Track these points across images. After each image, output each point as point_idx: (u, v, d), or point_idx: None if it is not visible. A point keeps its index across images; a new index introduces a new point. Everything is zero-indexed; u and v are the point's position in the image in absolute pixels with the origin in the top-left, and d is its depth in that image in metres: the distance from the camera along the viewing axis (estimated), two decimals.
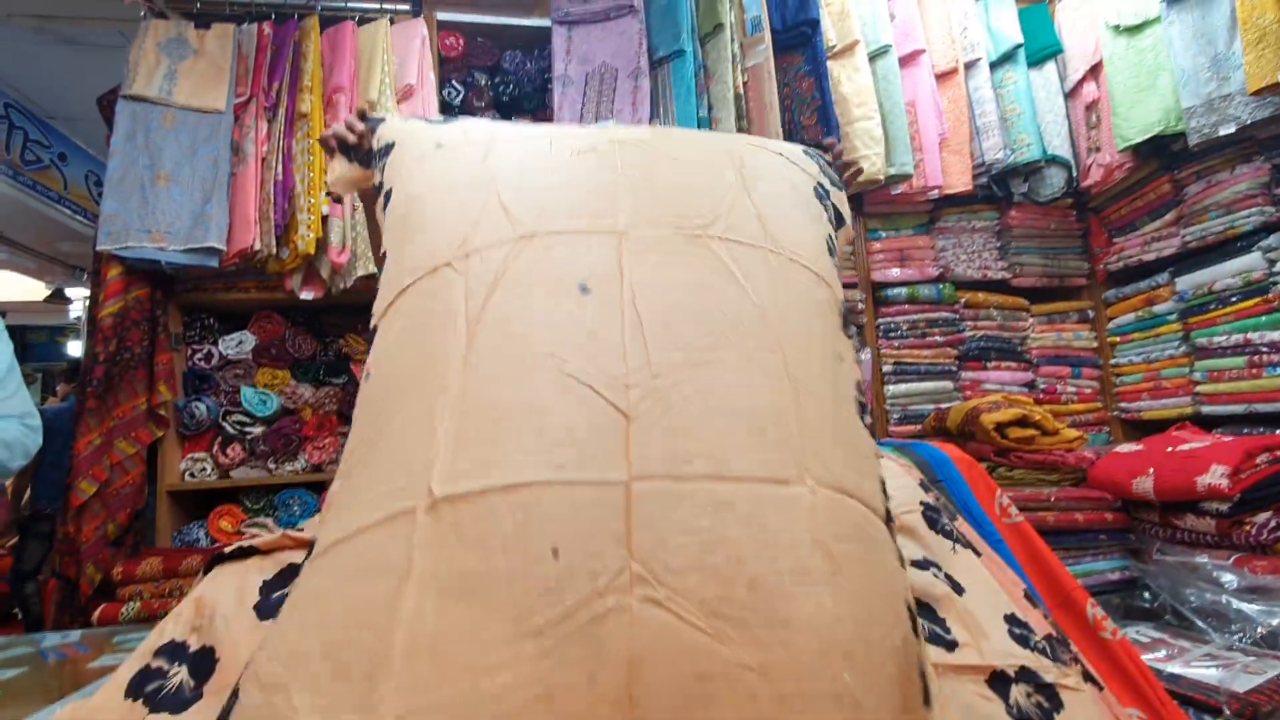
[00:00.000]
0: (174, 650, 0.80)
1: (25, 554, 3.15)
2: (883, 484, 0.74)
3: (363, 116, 1.07)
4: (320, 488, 2.12)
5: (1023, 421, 1.40)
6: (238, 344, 2.14)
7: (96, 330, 1.93)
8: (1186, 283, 2.08)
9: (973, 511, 1.13)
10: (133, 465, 1.94)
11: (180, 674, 0.78)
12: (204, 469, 2.09)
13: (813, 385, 0.68)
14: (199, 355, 2.15)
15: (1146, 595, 1.28)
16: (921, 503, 1.07)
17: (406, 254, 0.82)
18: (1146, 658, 1.02)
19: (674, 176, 0.85)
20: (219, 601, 0.84)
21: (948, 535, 1.03)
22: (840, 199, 1.03)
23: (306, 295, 1.99)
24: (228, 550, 0.91)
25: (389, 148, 0.97)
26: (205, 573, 0.91)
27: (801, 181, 0.97)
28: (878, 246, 2.38)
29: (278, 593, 0.79)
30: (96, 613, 1.73)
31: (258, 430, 2.12)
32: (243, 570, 0.90)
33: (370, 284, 1.58)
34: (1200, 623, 1.15)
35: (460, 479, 0.57)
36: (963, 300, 2.36)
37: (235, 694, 0.63)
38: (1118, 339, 2.39)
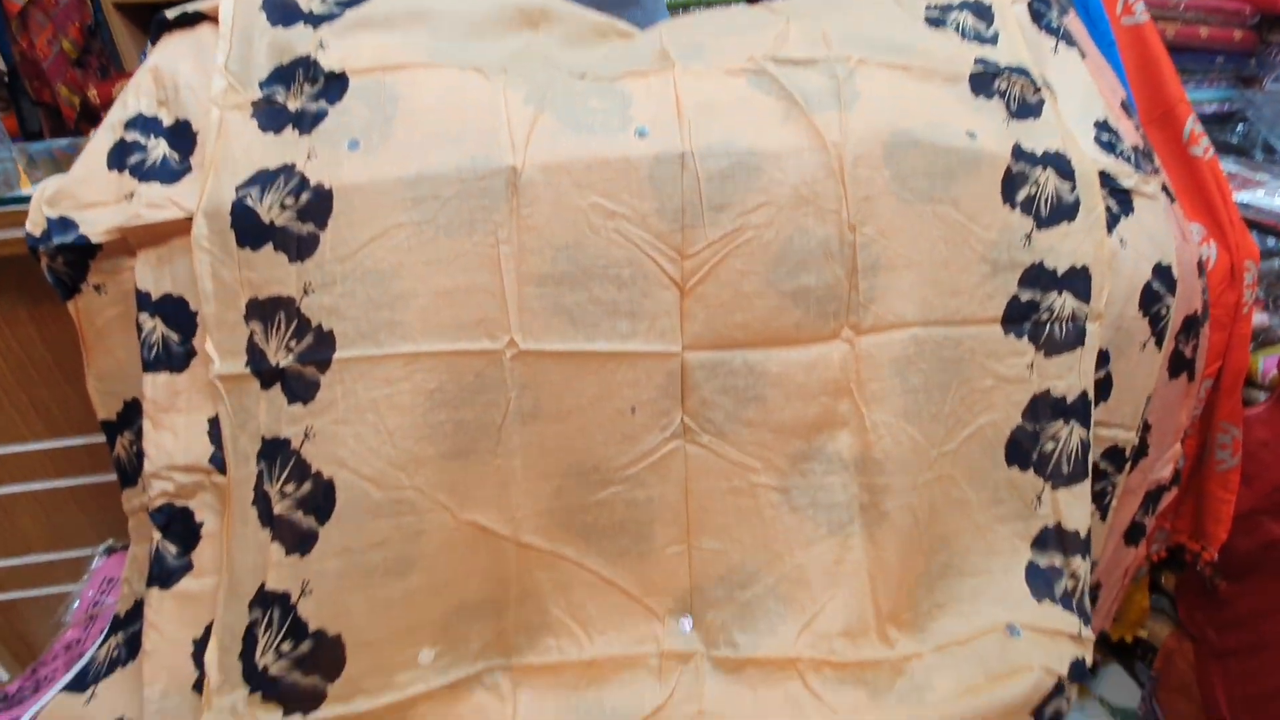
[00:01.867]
0: (146, 123, 0.70)
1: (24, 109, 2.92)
2: None
3: None
4: None
5: None
6: None
7: None
8: None
9: (1089, 6, 0.91)
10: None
11: (161, 146, 0.69)
12: None
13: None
14: None
15: (1240, 129, 1.13)
16: None
17: None
18: None
19: None
20: (178, 73, 0.71)
21: (1052, 32, 0.84)
22: None
23: None
24: (171, 16, 0.75)
25: None
26: (153, 42, 0.76)
27: None
28: None
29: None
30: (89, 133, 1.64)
31: None
32: (195, 39, 0.75)
33: None
34: None
35: (542, 339, 0.64)
36: None
37: None
38: None
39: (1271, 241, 0.88)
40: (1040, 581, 0.68)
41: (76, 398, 0.89)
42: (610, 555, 0.67)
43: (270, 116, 0.66)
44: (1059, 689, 0.63)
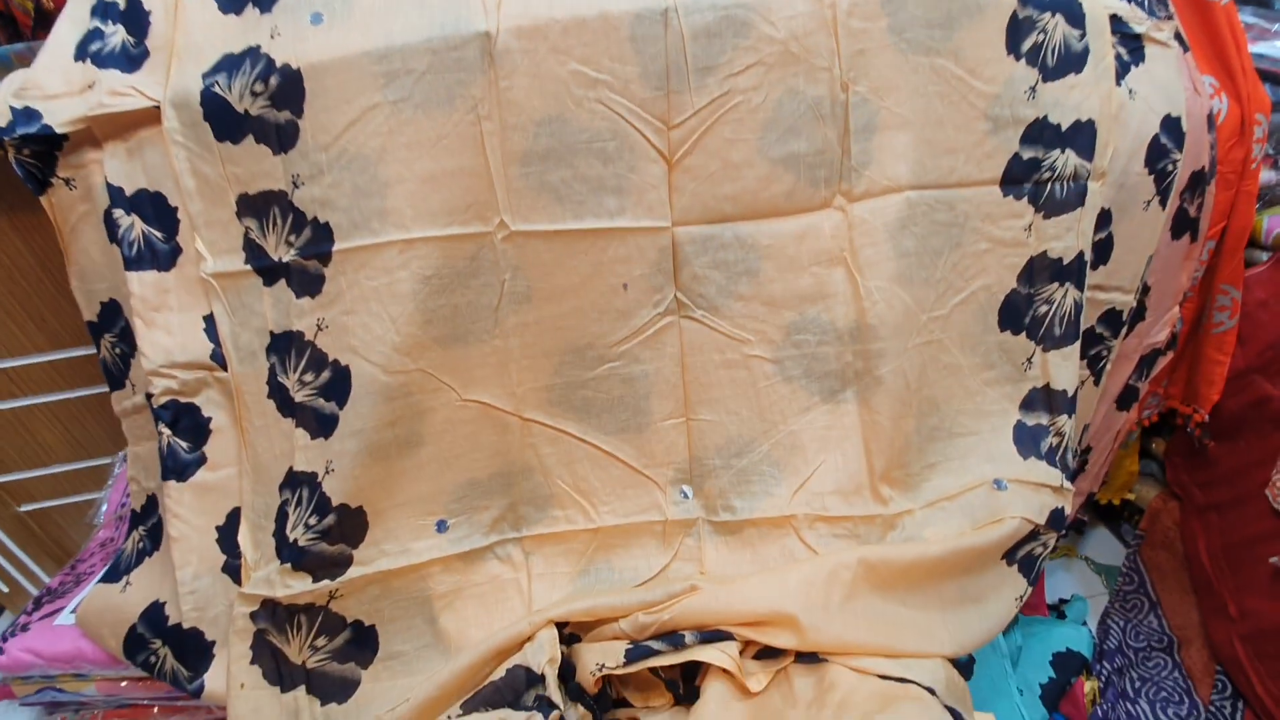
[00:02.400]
0: (106, 8, 0.67)
1: None
2: None
3: None
4: None
5: None
6: None
7: None
8: None
9: None
10: None
11: (119, 33, 0.66)
12: None
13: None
14: None
15: None
16: None
17: None
18: None
19: None
20: None
21: None
22: None
23: None
24: None
25: None
26: None
27: None
28: None
29: None
30: None
31: None
32: None
33: None
34: None
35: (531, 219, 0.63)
36: None
37: None
38: None
39: None
40: (1027, 439, 0.69)
41: (70, 308, 0.89)
42: (610, 430, 0.69)
43: None
44: (1033, 534, 0.65)
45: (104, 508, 0.93)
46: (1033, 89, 0.65)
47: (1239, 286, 0.85)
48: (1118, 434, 0.89)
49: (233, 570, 0.66)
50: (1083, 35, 0.66)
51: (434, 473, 0.67)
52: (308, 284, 0.62)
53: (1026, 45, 0.65)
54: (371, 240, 0.61)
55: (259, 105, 0.60)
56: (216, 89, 0.61)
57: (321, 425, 0.64)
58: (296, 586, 0.64)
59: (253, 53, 0.61)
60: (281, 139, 0.61)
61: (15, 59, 1.09)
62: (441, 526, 0.68)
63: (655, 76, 0.60)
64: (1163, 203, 0.73)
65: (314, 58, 0.60)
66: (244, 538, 0.65)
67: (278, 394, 0.64)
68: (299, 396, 0.64)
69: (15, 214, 0.83)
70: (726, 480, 0.69)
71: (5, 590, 1.07)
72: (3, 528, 1.03)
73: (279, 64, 0.60)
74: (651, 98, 0.61)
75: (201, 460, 0.68)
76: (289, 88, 0.60)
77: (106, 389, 0.97)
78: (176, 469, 0.67)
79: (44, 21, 1.65)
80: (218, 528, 0.68)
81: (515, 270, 0.64)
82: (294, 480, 0.64)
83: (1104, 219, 0.71)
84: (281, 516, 0.65)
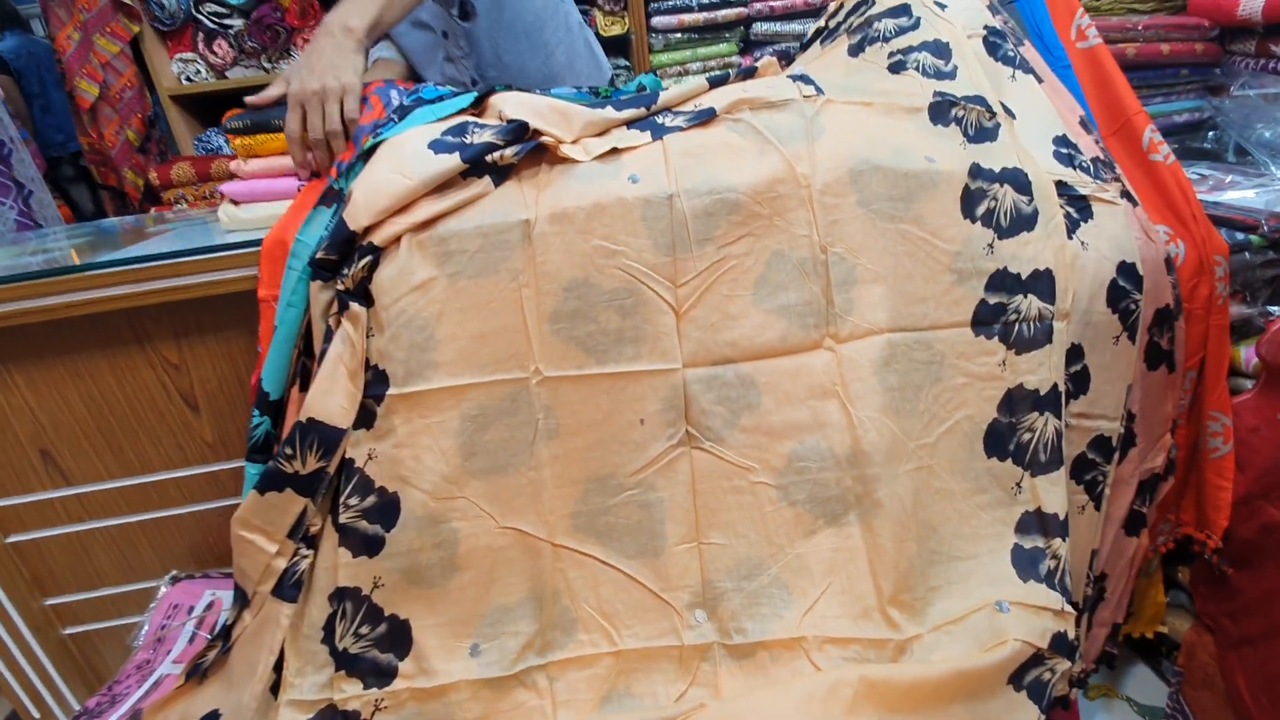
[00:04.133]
0: None
1: (74, 197, 3.18)
2: None
3: None
4: None
5: None
6: None
7: None
8: None
9: (1044, 35, 0.99)
10: (123, 65, 1.83)
11: None
12: (198, 71, 1.95)
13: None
14: None
15: (1210, 135, 1.19)
16: (985, 27, 0.94)
17: None
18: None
19: None
20: None
21: (1008, 62, 0.92)
22: None
23: None
24: None
25: None
26: None
27: None
28: None
29: None
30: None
31: (238, 23, 1.91)
32: None
33: None
34: (1262, 156, 1.08)
35: (561, 366, 0.73)
36: None
37: None
38: None
39: (1242, 236, 0.93)
40: (1025, 562, 0.72)
41: (147, 439, 1.00)
42: (631, 553, 0.74)
43: None
44: (1038, 659, 0.67)
45: (145, 630, 0.98)
46: (990, 246, 0.75)
47: (1228, 413, 0.89)
48: (1133, 561, 0.90)
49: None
50: (1030, 200, 0.77)
51: (472, 596, 0.72)
52: (363, 419, 0.72)
53: (980, 210, 0.76)
54: (425, 387, 0.71)
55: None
56: None
57: (365, 545, 0.71)
58: (349, 691, 0.69)
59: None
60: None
61: (125, 229, 1.29)
62: (475, 650, 0.72)
63: (663, 246, 0.72)
64: (1131, 338, 0.80)
65: (386, 232, 0.73)
66: (288, 646, 0.71)
67: (332, 512, 0.72)
68: (344, 518, 0.72)
69: (113, 358, 0.96)
70: (738, 602, 0.72)
71: (37, 716, 1.10)
72: (47, 651, 1.08)
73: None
74: (661, 262, 0.73)
75: None
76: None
77: (165, 513, 1.05)
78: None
79: (151, 195, 1.94)
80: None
81: (547, 409, 0.73)
82: (341, 594, 0.71)
83: (1076, 353, 0.78)
84: (330, 628, 0.70)
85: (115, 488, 1.02)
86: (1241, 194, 1.00)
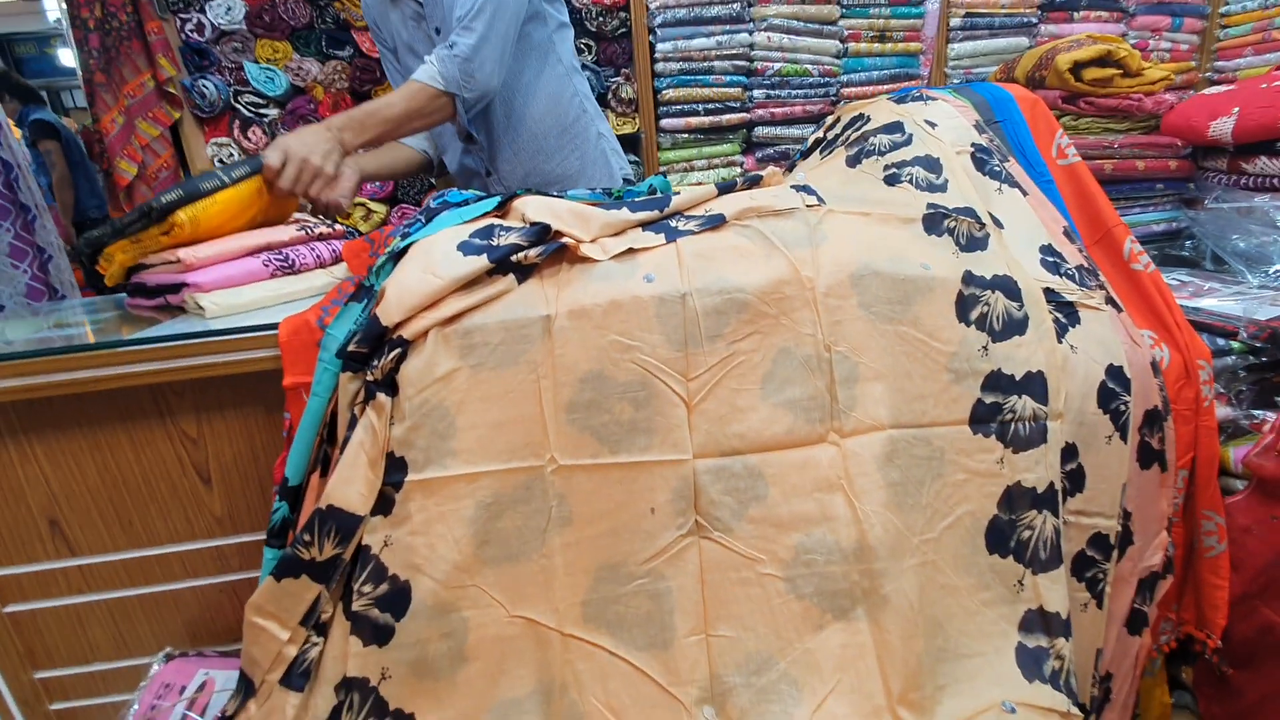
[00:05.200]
0: None
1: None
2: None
3: None
4: None
5: (1104, 60, 1.24)
6: (227, 10, 1.94)
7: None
8: None
9: (1027, 153, 1.07)
10: (161, 148, 1.93)
11: None
12: (231, 154, 2.07)
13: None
14: (190, 26, 1.97)
15: (1189, 244, 1.26)
16: (973, 144, 1.02)
17: None
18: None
19: None
20: None
21: (995, 176, 0.99)
22: None
23: None
24: None
25: None
26: None
27: None
28: None
29: None
30: None
31: (273, 112, 2.04)
32: None
33: None
34: (1238, 265, 1.15)
35: (576, 455, 0.76)
36: None
37: None
38: None
39: (1223, 341, 0.98)
40: (1030, 661, 0.73)
41: (157, 512, 1.01)
42: (640, 645, 0.74)
43: None
44: None
45: (135, 708, 0.96)
46: (984, 348, 0.80)
47: (1220, 512, 0.92)
48: (1136, 660, 0.90)
49: None
50: (1021, 306, 0.82)
51: (479, 689, 0.72)
52: (381, 505, 0.74)
53: (974, 315, 0.81)
54: (443, 473, 0.73)
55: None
56: None
57: (375, 634, 0.71)
58: None
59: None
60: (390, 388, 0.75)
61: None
62: None
63: (676, 342, 0.76)
64: (1123, 437, 0.83)
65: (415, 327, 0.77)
66: None
67: (345, 598, 0.73)
68: (357, 605, 0.72)
69: (133, 431, 0.98)
70: (747, 699, 0.72)
71: None
72: None
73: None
74: (674, 357, 0.76)
75: None
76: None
77: (164, 588, 1.04)
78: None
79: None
80: None
81: (561, 497, 0.75)
82: (348, 685, 0.70)
83: (1071, 452, 0.81)
84: (334, 718, 0.69)
85: (119, 559, 1.02)
86: (1221, 301, 1.06)
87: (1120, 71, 1.25)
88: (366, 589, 0.72)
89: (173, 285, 1.05)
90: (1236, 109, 1.16)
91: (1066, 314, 0.85)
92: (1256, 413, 0.96)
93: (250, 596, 0.74)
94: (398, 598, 0.72)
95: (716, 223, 0.85)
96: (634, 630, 0.75)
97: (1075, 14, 2.07)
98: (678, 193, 0.94)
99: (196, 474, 1.00)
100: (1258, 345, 0.96)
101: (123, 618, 1.05)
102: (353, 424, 0.74)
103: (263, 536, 0.82)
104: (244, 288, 1.04)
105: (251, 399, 0.97)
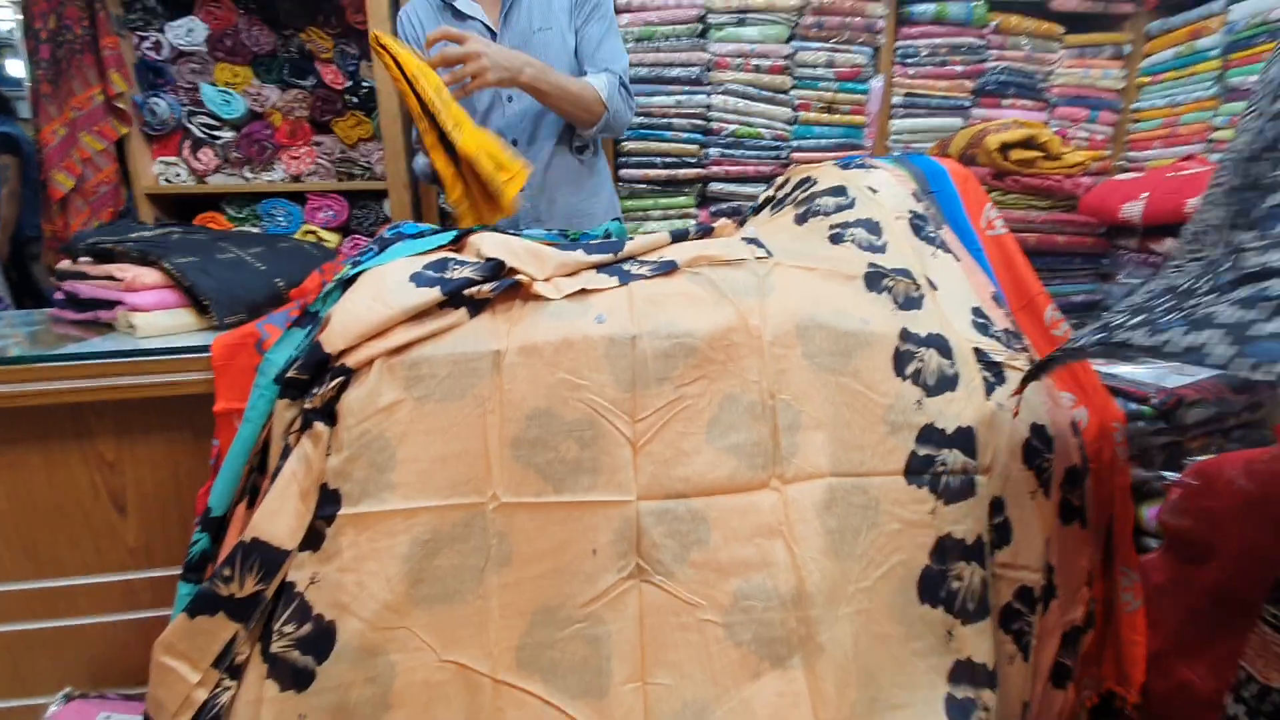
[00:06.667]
0: None
1: (34, 274, 3.10)
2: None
3: None
4: (301, 198, 2.08)
5: (1029, 143, 1.35)
6: (188, 32, 1.92)
7: (32, 8, 1.73)
8: (1242, 10, 1.88)
9: (959, 222, 1.14)
10: (104, 162, 1.87)
11: None
12: (178, 174, 2.02)
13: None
14: (147, 44, 1.94)
15: (1103, 315, 1.35)
16: (910, 211, 1.08)
17: None
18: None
19: None
20: None
21: (930, 241, 1.05)
22: None
23: None
24: None
25: None
26: None
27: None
28: None
29: None
30: None
31: (227, 135, 2.01)
32: None
33: None
34: None
35: (519, 492, 0.75)
36: (993, 23, 2.14)
37: None
38: (1147, 80, 2.23)
39: (1134, 406, 1.04)
40: (958, 713, 0.74)
41: (66, 541, 0.94)
42: (574, 692, 0.72)
43: None
44: None
45: None
46: (919, 402, 0.83)
47: (1136, 569, 0.96)
48: (1061, 714, 0.92)
49: None
50: (953, 364, 0.87)
51: None
52: (310, 540, 0.71)
53: (909, 370, 0.85)
54: (379, 508, 0.71)
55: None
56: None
57: (294, 678, 0.68)
58: None
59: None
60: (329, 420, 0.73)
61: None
62: None
63: (624, 383, 0.77)
64: (1046, 493, 0.87)
65: (360, 355, 0.75)
66: None
67: (264, 639, 0.69)
68: (275, 647, 0.68)
69: (46, 452, 0.92)
70: None
71: None
72: None
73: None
74: (621, 398, 0.77)
75: None
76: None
77: (67, 622, 0.96)
78: None
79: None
80: None
81: (501, 536, 0.73)
82: None
83: (998, 505, 0.84)
84: None
85: (20, 589, 0.95)
86: (1132, 369, 1.13)
87: (1043, 154, 1.36)
88: (288, 629, 0.69)
89: (106, 301, 1.01)
90: (1145, 194, 1.27)
91: (994, 373, 0.90)
92: (1168, 474, 1.02)
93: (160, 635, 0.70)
94: (321, 639, 0.68)
95: (669, 269, 0.87)
96: (568, 677, 0.73)
97: (1004, 100, 2.24)
98: (632, 238, 0.96)
99: (111, 501, 0.95)
100: (1166, 410, 1.03)
101: (22, 652, 0.97)
102: (286, 453, 0.71)
103: (178, 572, 0.77)
104: (180, 309, 1.01)
105: (178, 423, 0.93)
